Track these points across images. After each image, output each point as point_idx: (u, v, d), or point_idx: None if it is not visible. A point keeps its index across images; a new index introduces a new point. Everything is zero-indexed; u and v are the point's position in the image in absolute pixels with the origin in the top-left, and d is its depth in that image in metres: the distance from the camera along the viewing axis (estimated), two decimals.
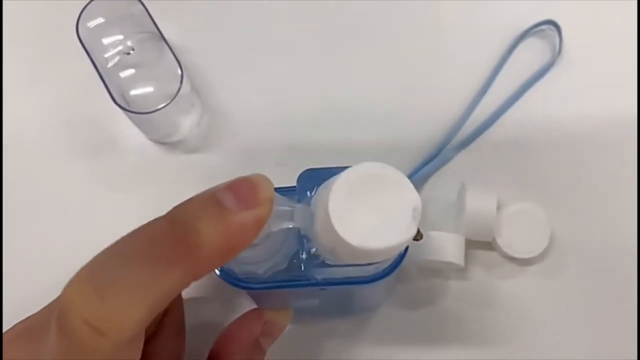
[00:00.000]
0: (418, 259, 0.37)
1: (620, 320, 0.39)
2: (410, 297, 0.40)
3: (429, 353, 0.39)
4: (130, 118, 0.41)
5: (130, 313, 0.22)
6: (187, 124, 0.43)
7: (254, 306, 0.36)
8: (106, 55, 0.41)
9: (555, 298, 0.40)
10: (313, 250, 0.28)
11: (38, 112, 0.44)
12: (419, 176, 0.41)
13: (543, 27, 0.44)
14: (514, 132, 0.43)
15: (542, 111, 0.43)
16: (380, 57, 0.45)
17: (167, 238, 0.23)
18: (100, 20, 0.41)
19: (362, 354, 0.39)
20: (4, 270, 0.41)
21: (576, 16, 0.44)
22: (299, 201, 0.28)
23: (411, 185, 0.25)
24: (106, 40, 0.41)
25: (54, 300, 0.30)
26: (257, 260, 0.28)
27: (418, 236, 0.25)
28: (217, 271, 0.30)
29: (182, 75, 0.39)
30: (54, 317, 0.24)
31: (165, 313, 0.34)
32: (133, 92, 0.41)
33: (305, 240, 0.28)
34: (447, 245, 0.38)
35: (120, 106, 0.39)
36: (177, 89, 0.39)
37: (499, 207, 0.39)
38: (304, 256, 0.28)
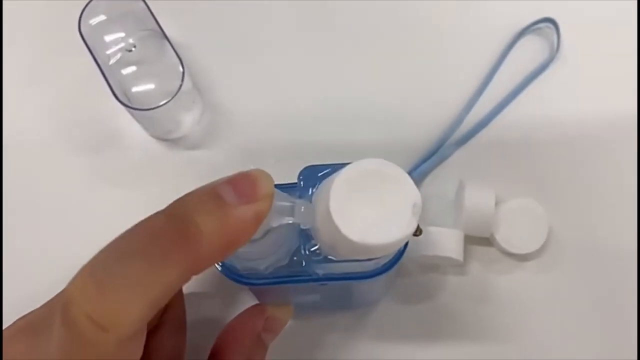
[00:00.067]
0: (417, 255, 0.38)
1: (618, 317, 0.39)
2: (410, 292, 0.40)
3: (428, 347, 0.39)
4: (132, 115, 0.41)
5: (131, 308, 0.22)
6: (188, 120, 0.43)
7: (256, 302, 0.37)
8: (108, 53, 0.41)
9: (552, 294, 0.40)
10: (314, 246, 0.28)
11: (40, 109, 0.44)
12: (418, 173, 0.41)
13: (541, 25, 0.45)
14: (512, 129, 0.43)
15: (540, 108, 0.43)
16: (379, 56, 0.45)
17: (166, 233, 0.23)
18: (102, 17, 0.41)
19: (362, 348, 0.39)
20: (4, 267, 0.41)
21: (574, 14, 0.44)
22: (299, 197, 0.28)
23: (411, 182, 0.25)
24: (108, 38, 0.41)
25: (55, 297, 0.30)
26: (258, 256, 0.28)
27: (417, 231, 0.26)
28: (218, 267, 0.30)
29: (183, 73, 0.39)
30: (57, 312, 0.24)
31: (166, 308, 0.34)
32: (135, 89, 0.41)
33: (306, 236, 0.28)
34: (446, 241, 0.38)
35: (122, 103, 0.39)
36: (178, 86, 0.39)
37: (497, 203, 0.39)
38: (305, 252, 0.28)
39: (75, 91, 0.44)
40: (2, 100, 0.45)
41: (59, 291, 0.30)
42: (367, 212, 0.24)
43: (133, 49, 0.42)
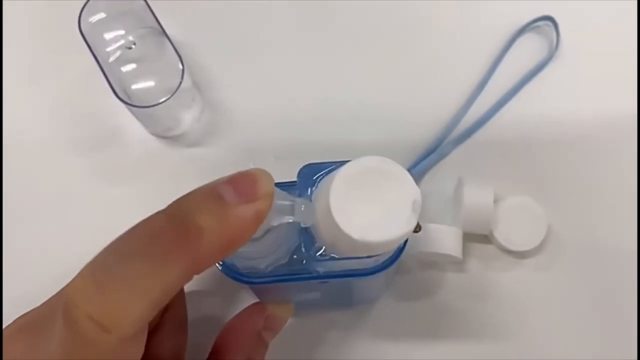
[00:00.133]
0: (416, 252, 0.38)
1: (616, 315, 0.40)
2: (409, 290, 0.40)
3: (427, 344, 0.39)
4: (131, 112, 0.41)
5: (132, 309, 0.22)
6: (188, 118, 0.43)
7: (256, 300, 0.37)
8: (108, 50, 0.41)
9: (550, 291, 0.40)
10: (314, 244, 0.28)
11: (40, 106, 0.44)
12: (417, 170, 0.41)
13: (540, 23, 0.45)
14: (511, 126, 0.43)
15: (539, 107, 0.43)
16: (377, 55, 0.45)
17: (167, 232, 0.23)
18: (102, 15, 0.41)
19: (362, 345, 0.40)
20: (4, 266, 0.41)
21: (573, 12, 0.44)
22: (299, 196, 0.28)
23: (411, 179, 0.25)
24: (108, 35, 0.41)
25: (55, 295, 0.30)
26: (258, 255, 0.28)
27: (417, 228, 0.26)
28: (219, 266, 0.30)
29: (183, 70, 0.39)
30: (58, 312, 0.24)
31: (167, 308, 0.34)
32: (134, 87, 0.41)
33: (306, 235, 0.28)
34: (445, 238, 0.38)
35: (121, 100, 0.39)
36: (178, 84, 0.39)
37: (496, 201, 0.39)
38: (304, 250, 0.28)
39: (75, 89, 0.44)
40: (2, 98, 0.45)
41: (59, 287, 0.30)
42: (367, 210, 0.24)
43: (133, 46, 0.42)
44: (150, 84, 0.42)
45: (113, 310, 0.22)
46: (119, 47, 0.42)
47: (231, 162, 0.43)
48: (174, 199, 0.34)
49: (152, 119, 0.42)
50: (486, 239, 0.41)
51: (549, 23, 0.44)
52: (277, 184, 0.25)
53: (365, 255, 0.27)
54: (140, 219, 0.33)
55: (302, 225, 0.27)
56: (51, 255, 0.41)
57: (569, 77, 0.44)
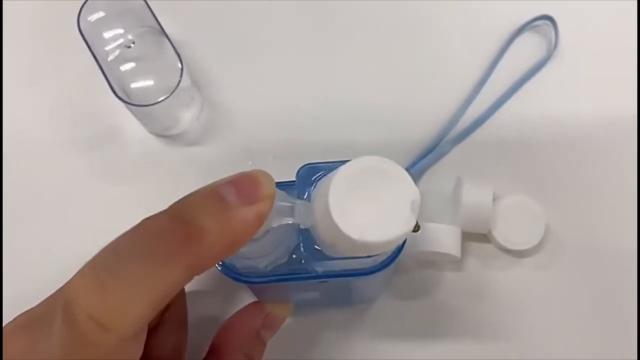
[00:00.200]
0: (415, 251, 0.38)
1: (615, 314, 0.40)
2: (407, 289, 0.40)
3: (425, 343, 0.40)
4: (130, 111, 0.41)
5: (133, 308, 0.23)
6: (187, 117, 0.43)
7: (255, 299, 0.37)
8: (107, 49, 0.41)
9: (549, 290, 0.40)
10: (313, 243, 0.28)
11: (39, 105, 0.44)
12: (416, 170, 0.41)
13: (539, 22, 0.45)
14: (510, 126, 0.43)
15: (538, 106, 0.43)
16: (376, 54, 0.45)
17: (169, 233, 0.23)
18: (101, 14, 0.41)
19: (361, 344, 0.40)
20: (4, 265, 0.41)
21: (572, 12, 0.44)
22: (298, 196, 0.28)
23: (410, 179, 0.25)
24: (107, 34, 0.41)
25: (55, 293, 0.31)
26: (257, 254, 0.28)
27: (415, 227, 0.26)
28: (218, 266, 0.30)
29: (182, 69, 0.39)
30: (58, 309, 0.24)
31: (168, 307, 0.34)
32: (133, 85, 0.41)
33: (305, 234, 0.28)
34: (444, 237, 0.38)
35: (120, 99, 0.39)
36: (177, 83, 0.39)
37: (494, 200, 0.39)
38: (303, 250, 0.28)
39: (74, 88, 0.44)
40: (2, 98, 0.45)
41: (59, 286, 0.30)
42: (365, 210, 0.24)
43: (132, 45, 0.42)
44: (149, 83, 0.42)
45: (114, 309, 0.22)
46: (118, 46, 0.42)
47: (230, 161, 0.43)
48: (173, 197, 0.34)
49: (151, 118, 0.42)
50: (485, 238, 0.41)
51: (548, 22, 0.44)
52: (276, 184, 0.25)
53: (364, 255, 0.27)
54: (139, 218, 0.33)
55: (302, 227, 0.27)
56: (51, 255, 0.41)
57: (567, 76, 0.44)
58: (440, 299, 0.40)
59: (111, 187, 0.43)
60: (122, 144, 0.44)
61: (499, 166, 0.42)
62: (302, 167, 0.29)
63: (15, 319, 0.30)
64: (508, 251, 0.40)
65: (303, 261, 0.29)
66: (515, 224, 0.39)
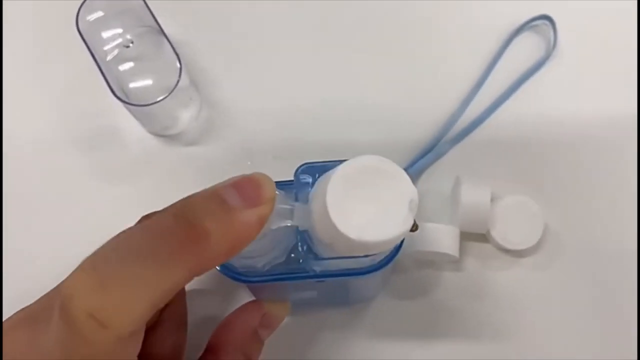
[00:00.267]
0: (413, 251, 0.38)
1: (614, 314, 0.40)
2: (405, 288, 0.40)
3: (424, 343, 0.40)
4: (129, 111, 0.41)
5: (134, 307, 0.23)
6: (185, 117, 0.43)
7: (253, 298, 0.37)
8: (105, 49, 0.41)
9: (548, 290, 0.40)
10: (311, 243, 0.28)
11: (37, 104, 0.44)
12: (414, 169, 0.42)
13: (538, 22, 0.45)
14: (508, 126, 0.43)
15: (537, 106, 0.43)
16: (375, 54, 0.45)
17: (173, 234, 0.23)
18: (100, 14, 0.41)
19: (359, 344, 0.40)
20: (4, 264, 0.41)
21: (571, 12, 0.44)
22: (296, 195, 0.28)
23: (408, 178, 0.25)
24: (105, 34, 0.41)
25: (54, 289, 0.31)
26: (256, 254, 0.28)
27: (413, 227, 0.26)
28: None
29: (180, 69, 0.39)
30: (56, 305, 0.24)
31: (167, 305, 0.34)
32: (132, 85, 0.41)
33: (303, 234, 0.28)
34: (442, 237, 0.38)
35: (119, 99, 0.39)
36: (175, 82, 0.39)
37: (493, 200, 0.39)
38: (302, 249, 0.28)
39: (73, 88, 0.44)
40: (2, 97, 0.45)
41: (52, 289, 0.30)
42: (363, 209, 0.25)
43: (130, 45, 0.42)
44: (147, 82, 0.42)
45: (113, 308, 0.22)
46: (117, 46, 0.42)
47: (229, 161, 0.43)
48: (172, 197, 0.34)
49: (149, 117, 0.42)
50: (483, 238, 0.41)
51: (547, 22, 0.44)
52: (275, 183, 0.25)
53: (362, 254, 0.27)
54: (138, 217, 0.33)
55: (300, 228, 0.27)
56: (49, 254, 0.41)
57: (566, 76, 0.44)
58: (439, 298, 0.40)
59: (110, 187, 0.43)
60: (120, 144, 0.44)
61: (498, 166, 0.43)
62: (300, 166, 0.29)
63: (12, 315, 0.30)
64: (507, 251, 0.40)
65: (301, 260, 0.29)
66: (513, 224, 0.40)
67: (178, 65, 0.39)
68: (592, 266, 0.40)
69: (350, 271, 0.30)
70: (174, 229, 0.23)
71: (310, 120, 0.44)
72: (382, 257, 0.29)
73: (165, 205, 0.33)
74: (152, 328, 0.33)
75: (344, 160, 0.25)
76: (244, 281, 0.30)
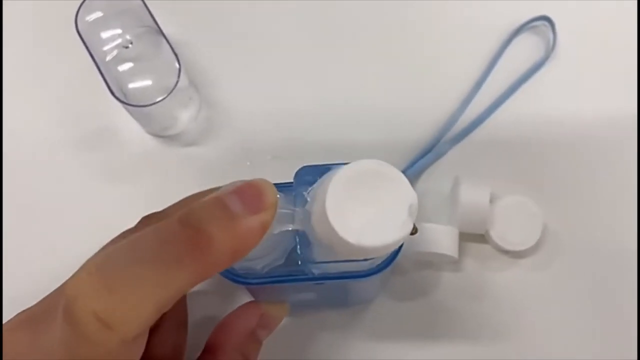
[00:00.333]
0: (412, 252, 0.38)
1: (614, 313, 0.40)
2: (404, 290, 0.40)
3: (423, 344, 0.40)
4: (128, 111, 0.41)
5: (140, 309, 0.23)
6: (185, 117, 0.43)
7: (252, 299, 0.37)
8: (104, 49, 0.41)
9: (547, 291, 0.40)
10: (310, 246, 0.28)
11: (37, 105, 0.44)
12: (414, 170, 0.41)
13: (537, 23, 0.45)
14: (507, 126, 0.43)
15: (536, 106, 0.43)
16: (375, 55, 0.45)
17: (179, 240, 0.24)
18: (99, 14, 0.41)
19: (358, 345, 0.40)
20: (4, 264, 0.41)
21: (570, 12, 0.44)
22: (295, 198, 0.28)
23: (407, 183, 0.25)
24: (105, 34, 0.41)
25: (56, 290, 0.31)
26: (255, 256, 0.28)
27: (413, 230, 0.26)
28: None
29: (179, 69, 0.39)
30: (59, 306, 0.24)
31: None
32: (131, 86, 0.41)
33: (302, 236, 0.28)
34: (441, 238, 0.38)
35: (118, 99, 0.39)
36: (174, 83, 0.39)
37: (492, 200, 0.39)
38: (300, 252, 0.28)
39: (72, 88, 0.44)
40: (2, 97, 0.44)
41: (58, 285, 0.30)
42: (363, 213, 0.25)
43: (130, 45, 0.42)
44: (147, 83, 0.42)
45: (120, 309, 0.23)
46: (116, 46, 0.41)
47: (228, 161, 0.43)
48: (172, 197, 0.34)
49: (149, 118, 0.42)
50: (482, 238, 0.41)
51: (546, 23, 0.44)
52: (275, 185, 0.26)
53: (361, 258, 0.27)
54: (137, 217, 0.33)
55: (301, 231, 0.27)
56: (50, 254, 0.41)
57: (565, 77, 0.44)
58: (438, 299, 0.40)
59: (109, 187, 0.43)
60: (120, 145, 0.44)
61: (497, 166, 0.43)
62: (300, 169, 0.29)
63: (16, 316, 0.30)
64: (506, 252, 0.40)
65: (300, 263, 0.29)
66: (512, 225, 0.40)
67: (177, 65, 0.39)
68: (591, 266, 0.40)
69: (349, 274, 0.30)
70: (179, 235, 0.24)
71: (309, 121, 0.44)
72: (381, 260, 0.29)
73: (165, 206, 0.34)
74: (153, 329, 0.33)
75: (344, 163, 0.25)
76: (243, 283, 0.30)
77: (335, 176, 0.25)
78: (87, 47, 0.40)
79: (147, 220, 0.33)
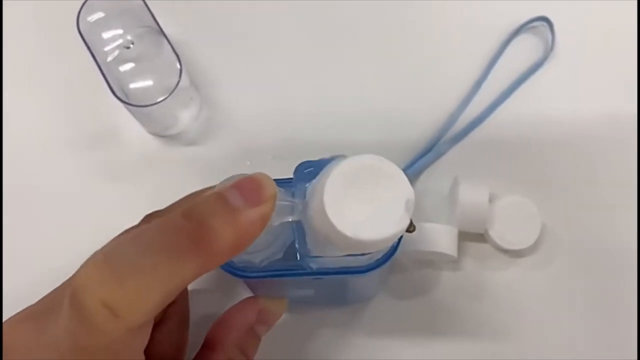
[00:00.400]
0: (412, 250, 0.38)
1: (613, 313, 0.40)
2: (404, 288, 0.40)
3: (422, 342, 0.40)
4: (129, 111, 0.41)
5: (147, 298, 0.23)
6: (186, 117, 0.43)
7: (250, 295, 0.37)
8: (106, 49, 0.41)
9: (546, 290, 0.40)
10: (308, 241, 0.28)
11: (38, 105, 0.45)
12: (413, 169, 0.42)
13: (536, 23, 0.45)
14: (507, 126, 0.43)
15: (535, 106, 0.44)
16: (374, 54, 0.45)
17: (184, 232, 0.24)
18: (100, 14, 0.41)
19: (356, 343, 0.40)
20: (4, 264, 0.41)
21: (568, 13, 0.45)
22: (293, 193, 0.28)
23: (405, 178, 0.25)
24: (106, 35, 0.41)
25: (59, 286, 0.31)
26: (255, 249, 0.28)
27: (411, 228, 0.26)
28: None
29: (180, 69, 0.40)
30: (65, 298, 0.24)
31: (171, 303, 0.35)
32: (132, 86, 0.41)
33: (300, 230, 0.28)
34: (441, 237, 0.38)
35: (120, 99, 0.39)
36: (176, 83, 0.39)
37: (491, 200, 0.40)
38: (298, 246, 0.28)
39: (73, 88, 0.45)
40: (2, 97, 0.45)
41: (59, 283, 0.31)
42: (360, 207, 0.25)
43: (131, 45, 0.42)
44: (148, 83, 0.42)
45: (128, 297, 0.23)
46: (117, 47, 0.42)
47: (229, 160, 0.43)
48: (172, 197, 0.34)
49: (150, 118, 0.42)
50: (481, 237, 0.41)
51: (545, 24, 0.45)
52: (275, 181, 0.26)
53: (358, 252, 0.27)
54: (138, 217, 0.33)
55: (299, 223, 0.27)
56: (50, 254, 0.41)
57: (564, 77, 0.44)
58: (437, 298, 0.40)
59: (110, 187, 0.43)
60: (121, 144, 0.44)
61: (496, 166, 0.43)
62: (300, 164, 0.29)
63: (18, 312, 0.30)
64: (505, 251, 0.40)
65: (298, 257, 0.29)
66: (511, 224, 0.40)
67: (178, 65, 0.40)
68: (590, 266, 0.40)
69: (348, 269, 0.30)
70: (183, 228, 0.24)
71: (309, 120, 0.44)
72: (379, 256, 0.30)
73: (166, 205, 0.34)
74: (156, 326, 0.34)
75: (343, 155, 0.26)
76: (242, 276, 0.30)
77: (334, 170, 0.25)
78: (88, 48, 0.40)
79: (150, 218, 0.34)
